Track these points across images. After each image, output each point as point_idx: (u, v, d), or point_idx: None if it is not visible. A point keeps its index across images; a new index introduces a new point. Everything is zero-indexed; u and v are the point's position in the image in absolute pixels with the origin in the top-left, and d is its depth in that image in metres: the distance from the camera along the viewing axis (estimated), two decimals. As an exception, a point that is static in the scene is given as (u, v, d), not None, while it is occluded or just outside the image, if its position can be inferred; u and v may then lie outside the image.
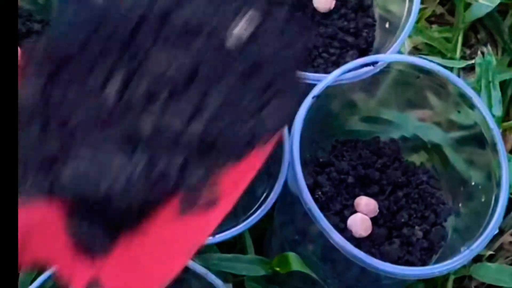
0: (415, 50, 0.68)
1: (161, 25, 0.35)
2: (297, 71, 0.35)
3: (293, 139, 0.49)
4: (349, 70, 0.51)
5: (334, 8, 0.57)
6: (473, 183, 0.56)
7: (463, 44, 0.70)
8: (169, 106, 0.34)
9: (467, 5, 0.69)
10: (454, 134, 0.64)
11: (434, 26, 0.73)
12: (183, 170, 0.33)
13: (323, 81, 0.50)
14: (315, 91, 0.50)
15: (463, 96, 0.56)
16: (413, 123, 0.65)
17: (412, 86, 0.67)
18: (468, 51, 0.72)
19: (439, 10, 0.73)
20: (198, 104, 0.34)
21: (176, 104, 0.34)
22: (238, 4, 0.35)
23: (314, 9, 0.57)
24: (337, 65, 0.55)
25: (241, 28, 0.35)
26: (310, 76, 0.51)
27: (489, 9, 0.68)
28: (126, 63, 0.35)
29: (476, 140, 0.58)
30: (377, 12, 0.58)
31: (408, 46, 0.67)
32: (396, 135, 0.64)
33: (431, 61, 0.63)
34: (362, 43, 0.57)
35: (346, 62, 0.55)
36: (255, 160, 0.34)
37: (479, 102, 0.54)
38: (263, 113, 0.34)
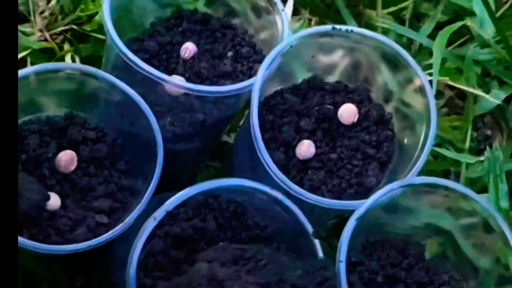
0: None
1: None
2: None
3: (339, 263, 0.55)
4: (388, 192, 0.57)
5: (357, 120, 0.62)
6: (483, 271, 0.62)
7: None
8: None
9: (475, 98, 0.75)
10: (464, 221, 0.70)
11: (444, 109, 0.79)
12: None
13: (364, 205, 0.57)
14: (358, 214, 0.57)
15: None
16: (426, 210, 0.71)
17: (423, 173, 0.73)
18: (475, 134, 0.78)
19: (449, 93, 0.79)
20: None
21: None
22: None
23: (339, 122, 0.62)
24: (360, 176, 0.61)
25: None
26: (347, 203, 0.58)
27: (495, 104, 0.74)
28: None
29: (484, 228, 0.64)
30: (396, 125, 0.63)
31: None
32: (411, 222, 0.70)
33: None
34: (383, 156, 0.62)
35: (368, 175, 0.61)
36: None
37: (485, 204, 0.61)
38: None
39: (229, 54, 0.65)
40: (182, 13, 0.67)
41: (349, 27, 0.62)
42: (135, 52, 0.60)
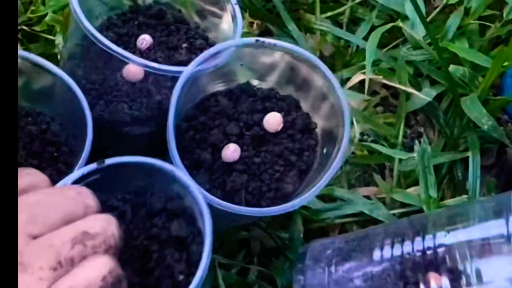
0: (363, 135, 0.79)
1: None
2: None
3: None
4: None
5: (283, 127, 0.64)
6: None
7: (405, 125, 0.80)
8: None
9: (408, 95, 0.79)
10: (396, 211, 0.74)
11: (379, 108, 0.83)
12: None
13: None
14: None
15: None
16: (361, 200, 0.75)
17: (360, 166, 0.78)
18: (408, 131, 0.82)
19: (384, 93, 0.84)
20: None
21: None
22: None
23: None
24: (280, 181, 0.62)
25: None
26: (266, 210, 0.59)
27: (426, 101, 0.78)
28: None
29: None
30: (319, 135, 0.65)
31: (357, 131, 0.77)
32: (346, 211, 0.74)
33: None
34: (303, 165, 0.63)
35: (287, 181, 0.62)
36: None
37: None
38: None
39: (184, 45, 0.68)
40: (138, 7, 0.71)
41: (272, 41, 0.64)
42: (90, 44, 0.63)
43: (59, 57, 0.75)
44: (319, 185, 0.59)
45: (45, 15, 0.77)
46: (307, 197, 0.59)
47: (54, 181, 0.58)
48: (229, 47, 0.64)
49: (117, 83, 0.64)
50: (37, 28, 0.77)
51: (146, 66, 0.61)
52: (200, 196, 0.55)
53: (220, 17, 0.70)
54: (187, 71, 0.61)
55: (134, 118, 0.65)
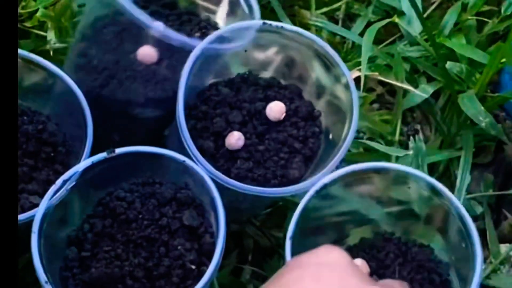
0: (359, 132, 0.77)
1: None
2: None
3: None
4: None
5: (286, 115, 0.64)
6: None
7: (401, 122, 0.79)
8: None
9: (405, 92, 0.78)
10: (391, 209, 0.73)
11: (375, 105, 0.82)
12: None
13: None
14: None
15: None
16: (355, 198, 0.74)
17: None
18: (405, 129, 0.81)
19: (380, 90, 0.83)
20: None
21: None
22: None
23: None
24: (284, 168, 0.62)
25: None
26: (270, 191, 0.60)
27: (423, 98, 0.77)
28: None
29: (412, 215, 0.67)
30: (323, 122, 0.65)
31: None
32: (341, 209, 0.73)
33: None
34: (308, 152, 0.63)
35: (292, 167, 0.62)
36: None
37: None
38: None
39: (196, 35, 0.67)
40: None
41: (280, 24, 0.64)
42: (104, 26, 0.62)
43: (51, 53, 0.74)
44: (330, 166, 0.60)
45: (36, 10, 0.76)
46: (319, 177, 0.60)
47: (50, 182, 0.58)
48: (232, 30, 0.64)
49: (131, 64, 0.64)
50: (28, 24, 0.76)
51: (170, 37, 0.61)
52: (213, 186, 0.55)
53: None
54: (199, 47, 0.61)
55: (148, 99, 0.65)
